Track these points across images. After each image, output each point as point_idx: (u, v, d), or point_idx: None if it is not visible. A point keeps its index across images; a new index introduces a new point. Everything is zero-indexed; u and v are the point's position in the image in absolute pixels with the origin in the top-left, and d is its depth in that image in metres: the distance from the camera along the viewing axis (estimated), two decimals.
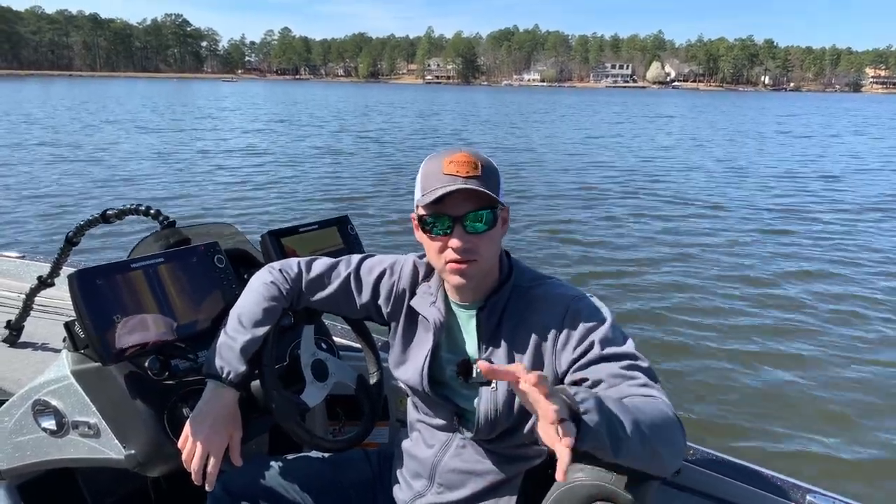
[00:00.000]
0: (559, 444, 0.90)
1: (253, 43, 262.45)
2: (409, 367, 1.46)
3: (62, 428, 1.49)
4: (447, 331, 1.44)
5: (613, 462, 1.05)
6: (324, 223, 2.03)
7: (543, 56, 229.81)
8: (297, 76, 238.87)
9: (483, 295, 1.39)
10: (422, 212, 1.31)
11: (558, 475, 0.88)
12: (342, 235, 2.06)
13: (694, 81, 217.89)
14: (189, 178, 13.12)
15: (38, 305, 2.05)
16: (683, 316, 6.05)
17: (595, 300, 1.36)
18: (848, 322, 6.01)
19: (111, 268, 1.44)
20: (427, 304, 1.45)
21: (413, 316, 1.48)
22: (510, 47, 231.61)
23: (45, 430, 1.51)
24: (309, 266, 1.54)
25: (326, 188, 12.42)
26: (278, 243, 1.84)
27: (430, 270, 1.49)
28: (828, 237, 9.36)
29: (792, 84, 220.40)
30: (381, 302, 1.52)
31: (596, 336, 1.27)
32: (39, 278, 1.94)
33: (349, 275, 1.52)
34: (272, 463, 1.59)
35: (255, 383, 1.45)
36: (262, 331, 1.43)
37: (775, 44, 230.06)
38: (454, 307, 1.44)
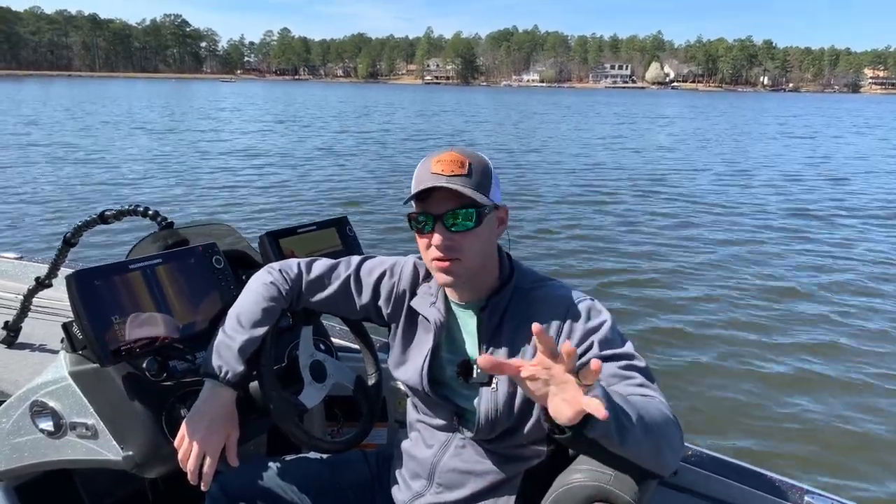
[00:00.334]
0: (595, 403, 0.93)
1: (252, 43, 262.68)
2: (409, 368, 1.46)
3: (60, 429, 1.49)
4: (447, 331, 1.44)
5: (618, 452, 1.06)
6: (322, 224, 2.03)
7: (543, 56, 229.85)
8: (297, 76, 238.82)
9: (484, 295, 1.40)
10: (410, 210, 1.35)
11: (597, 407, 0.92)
12: (341, 236, 2.06)
13: (693, 82, 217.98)
14: (187, 180, 13.11)
15: (36, 306, 2.04)
16: (687, 316, 6.06)
17: (595, 302, 1.37)
18: (849, 321, 6.01)
19: (109, 269, 1.43)
20: (427, 305, 1.45)
21: (413, 316, 1.49)
22: (509, 48, 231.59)
23: (42, 431, 1.51)
24: (309, 267, 1.54)
25: (327, 190, 12.40)
26: (276, 244, 1.84)
27: (429, 271, 1.50)
28: (840, 242, 9.30)
29: (791, 85, 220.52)
30: (381, 303, 1.52)
31: (596, 337, 1.29)
32: (37, 279, 1.94)
33: (349, 276, 1.53)
34: (270, 464, 1.58)
35: (254, 384, 1.44)
36: (260, 331, 1.43)
37: (774, 44, 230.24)
38: (454, 307, 1.44)
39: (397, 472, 1.56)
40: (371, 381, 1.72)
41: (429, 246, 1.33)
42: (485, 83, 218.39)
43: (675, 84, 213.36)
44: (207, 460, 1.36)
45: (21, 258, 2.76)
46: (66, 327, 1.45)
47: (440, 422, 1.46)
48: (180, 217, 7.22)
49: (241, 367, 1.39)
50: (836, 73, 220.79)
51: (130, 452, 1.42)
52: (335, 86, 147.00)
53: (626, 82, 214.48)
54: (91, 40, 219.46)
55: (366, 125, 29.20)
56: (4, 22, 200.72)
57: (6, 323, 1.97)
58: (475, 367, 1.37)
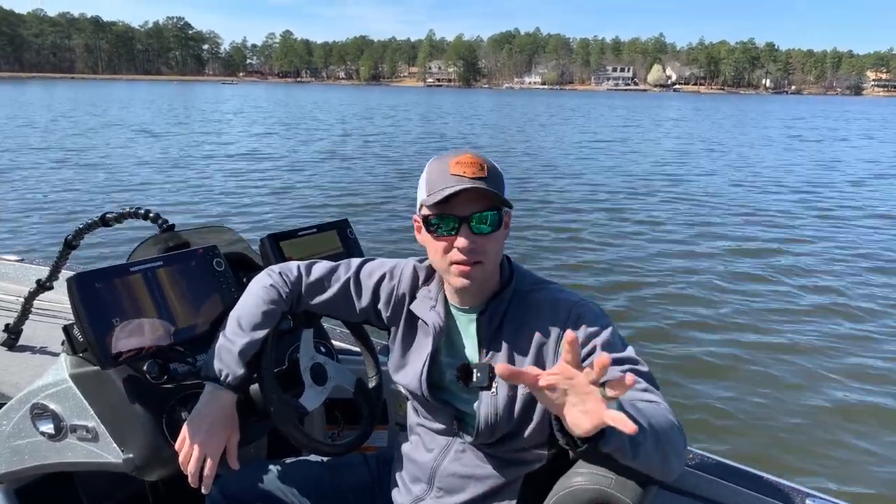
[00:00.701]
0: (621, 417, 0.91)
1: (254, 46, 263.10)
2: (409, 372, 1.45)
3: (60, 432, 1.49)
4: (447, 335, 1.44)
5: (630, 465, 1.06)
6: (323, 227, 2.03)
7: (544, 59, 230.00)
8: (299, 79, 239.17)
9: (484, 299, 1.39)
10: (426, 212, 1.31)
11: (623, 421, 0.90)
12: (342, 239, 2.06)
13: (695, 84, 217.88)
14: (189, 183, 13.10)
15: (37, 309, 2.05)
16: (692, 317, 6.05)
17: (596, 306, 1.36)
18: (851, 322, 6.00)
19: (110, 271, 1.43)
20: (427, 309, 1.45)
21: (413, 320, 1.48)
22: (511, 50, 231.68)
23: (43, 433, 1.51)
24: (308, 269, 1.54)
25: (330, 193, 12.36)
26: (277, 247, 1.84)
27: (429, 274, 1.49)
28: (852, 243, 9.26)
29: (793, 87, 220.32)
30: (380, 306, 1.52)
31: (597, 341, 1.28)
32: (38, 282, 1.94)
33: (349, 279, 1.52)
34: (270, 466, 1.58)
35: (254, 387, 1.44)
36: (260, 334, 1.43)
37: (776, 47, 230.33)
38: (454, 311, 1.43)
39: (398, 476, 1.56)
40: (372, 384, 1.72)
41: (448, 249, 1.30)
42: (486, 85, 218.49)
43: (676, 86, 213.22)
44: (208, 463, 1.36)
45: (22, 260, 2.76)
46: (66, 330, 1.45)
47: (440, 426, 1.46)
48: (182, 220, 7.24)
49: (241, 371, 1.39)
50: (838, 76, 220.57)
51: (131, 455, 1.42)
52: (337, 88, 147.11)
53: (628, 85, 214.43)
54: (94, 43, 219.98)
55: (369, 128, 29.11)
56: (8, 24, 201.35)
57: (7, 325, 1.97)
58: (475, 371, 1.36)
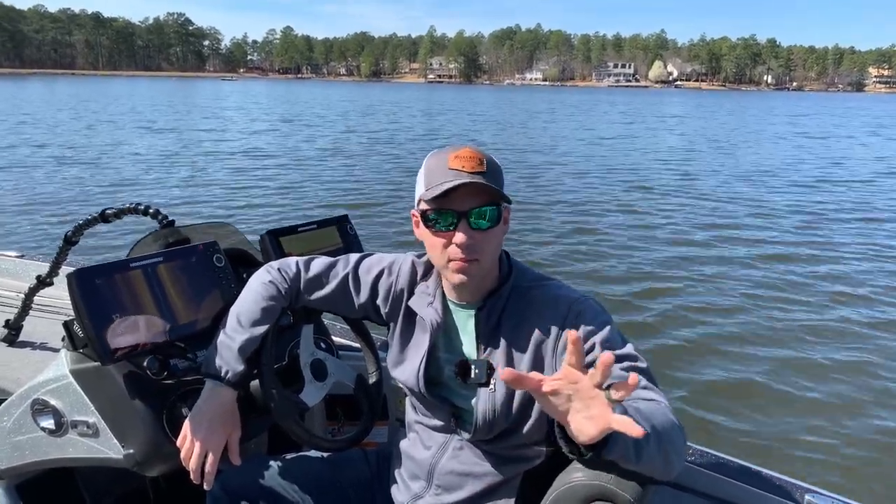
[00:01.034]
0: (627, 422, 0.89)
1: (255, 42, 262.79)
2: (407, 368, 1.45)
3: (61, 427, 1.49)
4: (445, 331, 1.43)
5: (633, 469, 1.05)
6: (323, 223, 2.03)
7: (545, 55, 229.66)
8: (299, 75, 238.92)
9: (482, 295, 1.38)
10: (424, 207, 1.29)
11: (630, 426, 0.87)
12: (341, 235, 2.06)
13: (696, 81, 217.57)
14: (190, 179, 13.12)
15: (37, 305, 2.05)
16: (698, 316, 6.06)
17: (595, 302, 1.35)
18: (854, 322, 6.01)
19: (110, 267, 1.43)
20: (425, 305, 1.44)
21: (411, 316, 1.48)
22: (512, 46, 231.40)
23: (43, 429, 1.51)
24: (307, 265, 1.53)
25: (331, 190, 12.36)
26: (277, 243, 1.84)
27: (427, 270, 1.48)
28: (856, 241, 9.23)
29: (795, 83, 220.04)
30: (379, 302, 1.51)
31: (597, 338, 1.27)
32: (38, 277, 1.94)
33: (347, 274, 1.52)
34: (271, 462, 1.58)
35: (255, 383, 1.45)
36: (260, 330, 1.43)
37: (778, 43, 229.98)
38: (452, 307, 1.43)
39: (397, 473, 1.56)
40: (372, 380, 1.72)
41: (447, 245, 1.29)
42: (487, 82, 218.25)
43: (678, 83, 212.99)
44: (209, 459, 1.36)
45: (22, 256, 2.76)
46: (67, 325, 1.45)
47: (438, 423, 1.46)
48: (182, 217, 7.23)
49: (241, 367, 1.39)
50: (840, 72, 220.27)
51: (131, 451, 1.42)
52: (338, 84, 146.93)
53: (630, 81, 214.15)
54: (94, 39, 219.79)
55: (371, 125, 29.04)
56: (8, 20, 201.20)
57: (7, 321, 1.98)
58: (473, 367, 1.36)
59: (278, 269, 1.51)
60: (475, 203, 1.26)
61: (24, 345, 1.99)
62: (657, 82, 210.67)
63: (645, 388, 1.21)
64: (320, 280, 1.52)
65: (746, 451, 3.80)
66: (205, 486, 1.38)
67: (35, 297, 1.99)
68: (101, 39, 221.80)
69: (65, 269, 1.72)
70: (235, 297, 1.51)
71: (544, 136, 25.57)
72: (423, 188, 1.29)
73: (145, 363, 1.44)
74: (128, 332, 1.41)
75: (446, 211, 1.27)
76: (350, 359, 2.00)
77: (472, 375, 1.35)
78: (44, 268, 2.00)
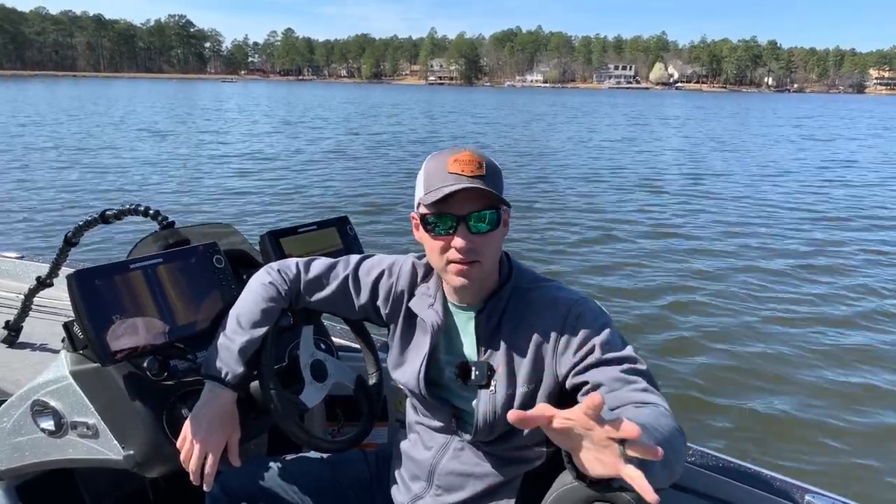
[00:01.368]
0: (640, 480, 0.86)
1: (256, 44, 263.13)
2: (407, 369, 1.45)
3: (61, 428, 1.49)
4: (445, 333, 1.43)
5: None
6: (323, 224, 2.03)
7: (546, 57, 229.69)
8: (300, 77, 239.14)
9: (482, 297, 1.38)
10: (424, 210, 1.29)
11: (643, 487, 0.85)
12: (341, 236, 2.06)
13: (697, 83, 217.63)
14: (190, 181, 13.11)
15: (37, 306, 2.05)
16: (702, 316, 6.05)
17: (595, 304, 1.35)
18: (855, 322, 6.00)
19: (110, 268, 1.43)
20: (425, 306, 1.44)
21: (411, 317, 1.47)
22: (513, 48, 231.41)
23: (43, 430, 1.51)
24: (307, 266, 1.53)
25: (332, 192, 12.32)
26: (277, 244, 1.84)
27: (428, 272, 1.48)
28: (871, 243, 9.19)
29: (795, 85, 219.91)
30: (379, 303, 1.51)
31: (597, 340, 1.27)
32: (38, 279, 1.95)
33: (347, 275, 1.52)
34: (271, 463, 1.58)
35: (254, 384, 1.44)
36: (260, 332, 1.43)
37: (779, 45, 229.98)
38: (452, 309, 1.43)
39: (397, 473, 1.56)
40: (372, 381, 1.72)
41: (446, 248, 1.29)
42: (488, 83, 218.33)
43: (679, 85, 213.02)
44: (209, 460, 1.36)
45: (22, 257, 2.76)
46: (66, 327, 1.45)
47: (439, 424, 1.46)
48: (183, 218, 7.23)
49: (241, 369, 1.39)
50: (841, 74, 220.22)
51: (131, 452, 1.42)
52: (339, 86, 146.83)
53: (630, 83, 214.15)
54: (96, 41, 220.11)
55: (374, 127, 28.95)
56: (10, 22, 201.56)
57: (7, 322, 1.98)
58: (473, 368, 1.36)
59: (278, 271, 1.51)
60: (474, 207, 1.26)
61: (24, 346, 1.99)
62: (658, 84, 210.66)
63: (644, 390, 1.20)
64: (320, 281, 1.52)
65: (746, 452, 3.80)
66: (204, 488, 1.38)
67: (35, 299, 1.99)
68: (103, 41, 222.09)
69: (65, 270, 1.72)
70: (235, 299, 1.51)
71: (549, 138, 25.42)
72: (423, 192, 1.29)
73: (145, 364, 1.44)
74: (128, 334, 1.41)
75: (445, 215, 1.26)
76: (350, 360, 2.00)
77: (473, 377, 1.35)
78: (44, 269, 2.00)
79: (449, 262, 1.29)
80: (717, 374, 4.91)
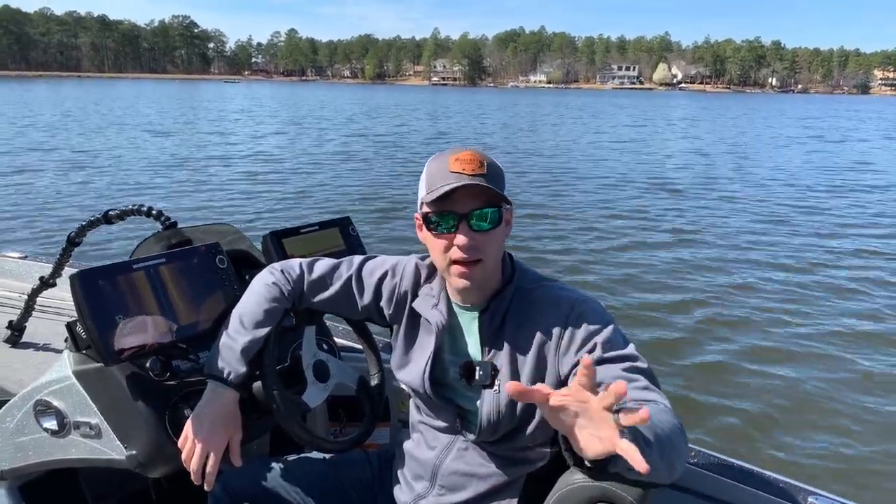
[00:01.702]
0: (633, 452, 0.88)
1: (259, 44, 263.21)
2: (412, 370, 1.45)
3: (63, 428, 1.49)
4: (449, 333, 1.43)
5: (637, 479, 1.05)
6: (325, 224, 2.03)
7: (549, 57, 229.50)
8: (304, 77, 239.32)
9: (486, 297, 1.38)
10: (426, 209, 1.31)
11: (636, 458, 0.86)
12: (343, 236, 2.06)
13: (701, 83, 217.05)
14: (193, 182, 13.12)
15: (40, 306, 2.05)
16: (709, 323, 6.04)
17: (597, 303, 1.36)
18: (859, 322, 5.99)
19: (113, 268, 1.44)
20: (429, 307, 1.44)
21: (415, 318, 1.48)
22: (516, 49, 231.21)
23: (46, 430, 1.51)
24: (311, 267, 1.54)
25: (336, 193, 12.33)
26: (279, 244, 1.84)
27: (431, 272, 1.49)
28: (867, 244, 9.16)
29: (799, 86, 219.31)
30: (382, 304, 1.52)
31: (599, 339, 1.27)
32: (41, 279, 1.95)
33: (351, 276, 1.52)
34: (273, 464, 1.59)
35: (257, 384, 1.45)
36: (263, 332, 1.43)
37: (783, 45, 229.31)
38: (456, 309, 1.43)
39: (399, 473, 1.56)
40: (374, 382, 1.72)
41: (448, 247, 1.30)
42: (491, 84, 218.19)
43: (682, 85, 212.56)
44: (211, 460, 1.36)
45: (25, 257, 2.77)
46: (69, 327, 1.46)
47: (442, 423, 1.45)
48: (187, 219, 7.25)
49: (243, 369, 1.40)
50: (845, 74, 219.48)
51: (134, 452, 1.42)
52: (342, 87, 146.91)
53: (634, 83, 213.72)
54: (100, 41, 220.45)
55: (378, 128, 28.89)
56: (14, 23, 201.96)
57: (10, 322, 1.98)
58: (477, 368, 1.36)
59: (281, 271, 1.52)
60: (476, 205, 1.27)
61: (27, 346, 1.99)
62: (661, 84, 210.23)
63: (646, 388, 1.20)
64: (324, 282, 1.52)
65: (748, 453, 3.79)
66: (206, 487, 1.38)
67: (38, 298, 1.99)
68: (107, 42, 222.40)
69: (68, 270, 1.72)
70: (238, 299, 1.51)
71: (556, 139, 25.34)
72: (425, 191, 1.30)
73: (148, 364, 1.44)
74: (130, 333, 1.41)
75: (447, 213, 1.27)
76: (352, 360, 2.00)
77: (477, 377, 1.36)
78: (47, 269, 2.00)
79: (452, 261, 1.30)
80: (718, 374, 4.92)
